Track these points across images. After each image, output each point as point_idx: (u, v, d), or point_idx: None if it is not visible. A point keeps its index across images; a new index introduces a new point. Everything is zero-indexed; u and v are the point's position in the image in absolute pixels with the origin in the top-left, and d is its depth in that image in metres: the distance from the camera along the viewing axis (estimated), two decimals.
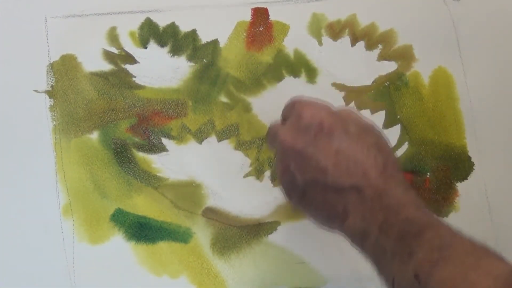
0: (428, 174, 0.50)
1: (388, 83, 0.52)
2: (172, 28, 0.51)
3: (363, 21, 0.52)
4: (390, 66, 0.52)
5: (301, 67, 0.51)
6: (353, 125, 0.38)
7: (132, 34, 0.50)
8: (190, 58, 0.51)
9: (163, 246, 0.48)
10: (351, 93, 0.51)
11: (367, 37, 0.52)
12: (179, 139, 0.50)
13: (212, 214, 0.49)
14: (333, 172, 0.36)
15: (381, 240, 0.35)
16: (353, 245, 0.38)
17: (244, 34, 0.51)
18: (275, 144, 0.41)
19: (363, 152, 0.37)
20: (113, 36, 0.50)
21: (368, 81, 0.52)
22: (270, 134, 0.42)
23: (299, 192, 0.39)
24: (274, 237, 0.49)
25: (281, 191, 0.41)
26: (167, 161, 0.49)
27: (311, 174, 0.37)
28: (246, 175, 0.49)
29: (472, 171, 0.51)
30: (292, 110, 0.40)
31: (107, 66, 0.50)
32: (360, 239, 0.37)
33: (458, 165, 0.51)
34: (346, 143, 0.37)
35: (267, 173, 0.50)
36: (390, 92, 0.52)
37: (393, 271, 0.34)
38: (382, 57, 0.52)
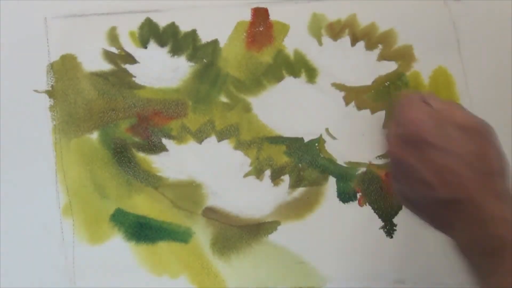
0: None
1: (388, 83, 0.52)
2: (172, 28, 0.51)
3: (363, 21, 0.52)
4: (390, 66, 0.52)
5: (301, 67, 0.51)
6: (456, 128, 0.37)
7: (132, 34, 0.50)
8: (190, 58, 0.51)
9: (163, 246, 0.48)
10: (351, 93, 0.51)
11: (367, 37, 0.52)
12: (179, 139, 0.50)
13: (212, 214, 0.49)
14: (435, 186, 0.36)
15: (467, 253, 0.36)
16: (459, 255, 0.38)
17: (244, 34, 0.51)
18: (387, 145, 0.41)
19: (462, 162, 0.36)
20: (113, 36, 0.50)
21: (368, 81, 0.52)
22: (384, 135, 0.42)
23: (410, 201, 0.39)
24: (274, 237, 0.49)
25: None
26: (167, 161, 0.49)
27: (417, 188, 0.38)
28: (246, 175, 0.49)
29: None
30: (396, 113, 0.40)
31: (107, 66, 0.50)
32: (466, 251, 0.37)
33: None
34: (445, 154, 0.36)
35: (267, 173, 0.50)
36: (390, 92, 0.52)
37: (502, 284, 0.34)
38: (382, 57, 0.52)
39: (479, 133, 0.38)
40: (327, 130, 0.51)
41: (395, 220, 0.50)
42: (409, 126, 0.38)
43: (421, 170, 0.37)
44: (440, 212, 0.37)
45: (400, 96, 0.41)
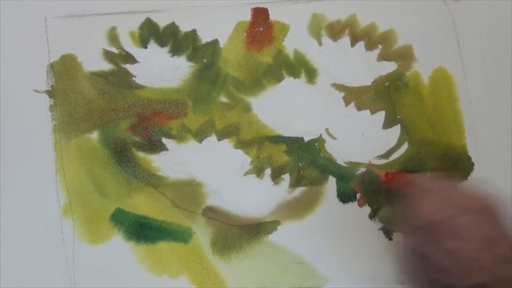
0: (428, 174, 0.50)
1: (388, 83, 0.52)
2: (172, 28, 0.51)
3: (363, 21, 0.52)
4: (390, 66, 0.52)
5: (301, 67, 0.51)
6: (463, 214, 0.38)
7: (132, 34, 0.50)
8: (190, 58, 0.51)
9: (163, 246, 0.48)
10: (351, 93, 0.51)
11: (367, 37, 0.52)
12: (179, 138, 0.50)
13: (212, 214, 0.49)
14: (452, 273, 0.36)
15: None
16: None
17: (244, 34, 0.51)
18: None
19: (476, 246, 0.36)
20: (113, 36, 0.50)
21: (368, 81, 0.52)
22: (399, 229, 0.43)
23: (424, 285, 0.39)
24: (274, 237, 0.49)
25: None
26: (167, 160, 0.49)
27: (432, 274, 0.37)
28: (247, 173, 0.49)
29: (472, 171, 0.51)
30: (407, 205, 0.40)
31: (107, 66, 0.50)
32: None
33: (458, 165, 0.50)
34: (456, 242, 0.37)
35: (267, 171, 0.50)
36: (390, 92, 0.52)
37: None
38: (382, 57, 0.52)
39: (487, 214, 0.38)
40: (327, 130, 0.51)
41: None
42: (419, 217, 0.38)
43: (439, 260, 0.37)
44: None
45: (407, 185, 0.42)
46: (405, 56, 0.52)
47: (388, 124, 0.51)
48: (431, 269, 0.37)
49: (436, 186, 0.41)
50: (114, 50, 0.50)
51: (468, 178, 0.51)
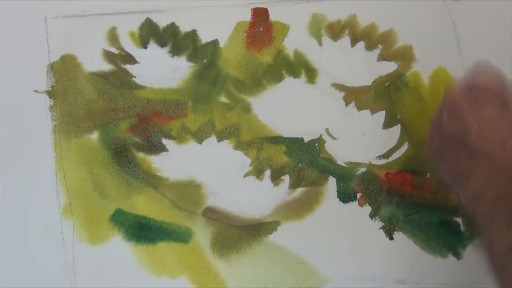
0: (428, 174, 0.50)
1: (388, 83, 0.52)
2: (172, 28, 0.51)
3: (363, 21, 0.52)
4: (390, 67, 0.52)
5: (301, 67, 0.51)
6: None
7: (132, 34, 0.50)
8: (190, 58, 0.51)
9: (163, 246, 0.48)
10: (351, 93, 0.51)
11: (367, 37, 0.52)
12: (179, 139, 0.50)
13: (212, 214, 0.49)
14: (475, 134, 0.39)
15: (496, 205, 0.37)
16: (466, 206, 0.40)
17: (244, 34, 0.51)
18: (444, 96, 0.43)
19: (509, 126, 0.38)
20: (113, 36, 0.50)
21: (368, 82, 0.52)
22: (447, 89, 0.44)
23: (440, 141, 0.42)
24: (274, 237, 0.49)
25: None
26: (167, 161, 0.49)
27: (456, 128, 0.40)
28: (246, 175, 0.49)
29: None
30: (471, 71, 0.43)
31: (107, 66, 0.50)
32: (474, 201, 0.39)
33: None
34: (498, 113, 0.39)
35: (267, 173, 0.50)
36: (390, 93, 0.52)
37: (494, 236, 0.37)
38: (382, 57, 0.52)
39: None
40: (327, 130, 0.51)
41: None
42: (478, 80, 0.41)
43: (467, 113, 0.39)
44: (462, 158, 0.40)
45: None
46: (405, 56, 0.52)
47: (388, 124, 0.51)
48: (459, 125, 0.40)
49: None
50: (114, 50, 0.50)
51: None
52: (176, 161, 0.49)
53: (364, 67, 0.52)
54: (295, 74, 0.51)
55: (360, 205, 0.50)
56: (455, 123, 0.40)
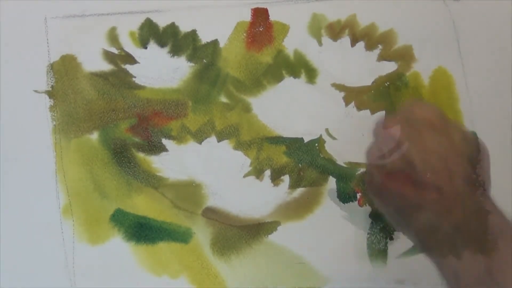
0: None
1: (388, 83, 0.52)
2: (172, 28, 0.51)
3: (363, 21, 0.52)
4: (390, 67, 0.52)
5: (301, 67, 0.51)
6: (458, 132, 0.39)
7: (132, 34, 0.50)
8: (190, 58, 0.51)
9: (163, 246, 0.48)
10: (351, 93, 0.51)
11: (367, 37, 0.52)
12: (179, 139, 0.50)
13: (212, 214, 0.49)
14: (420, 167, 0.38)
15: (455, 237, 0.37)
16: (417, 236, 0.39)
17: (244, 34, 0.51)
18: (378, 131, 0.43)
19: (457, 159, 0.38)
20: (113, 36, 0.50)
21: (368, 82, 0.52)
22: (378, 123, 0.44)
23: (381, 177, 0.40)
24: (274, 237, 0.49)
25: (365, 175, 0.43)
26: (167, 161, 0.49)
27: (398, 163, 0.39)
28: (246, 175, 0.49)
29: None
30: (406, 106, 0.42)
31: (107, 66, 0.50)
32: (426, 233, 0.38)
33: None
34: (444, 146, 0.38)
35: (267, 173, 0.50)
36: (390, 93, 0.52)
37: (459, 266, 0.36)
38: (382, 57, 0.52)
39: (476, 145, 0.40)
40: (327, 130, 0.51)
41: None
42: (417, 113, 0.40)
43: (409, 146, 0.38)
44: (408, 192, 0.38)
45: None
46: (405, 56, 0.52)
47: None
48: (401, 158, 0.39)
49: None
50: (114, 50, 0.50)
51: None
52: (176, 161, 0.49)
53: (364, 67, 0.52)
54: (295, 74, 0.51)
55: (360, 205, 0.50)
56: (397, 158, 0.39)
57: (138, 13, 0.51)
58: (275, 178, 0.50)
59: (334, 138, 0.50)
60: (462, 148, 0.39)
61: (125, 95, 0.50)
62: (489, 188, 0.40)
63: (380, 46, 0.52)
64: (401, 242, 0.49)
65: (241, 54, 0.51)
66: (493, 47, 0.52)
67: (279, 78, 0.51)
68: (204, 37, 0.51)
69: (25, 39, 0.50)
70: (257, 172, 0.50)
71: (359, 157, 0.50)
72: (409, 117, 0.40)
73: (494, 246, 0.36)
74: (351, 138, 0.51)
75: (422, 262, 0.49)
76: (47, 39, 0.50)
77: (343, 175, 0.50)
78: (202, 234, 0.48)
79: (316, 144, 0.50)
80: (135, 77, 0.50)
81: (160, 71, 0.50)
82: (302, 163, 0.50)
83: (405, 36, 0.52)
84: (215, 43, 0.51)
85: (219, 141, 0.50)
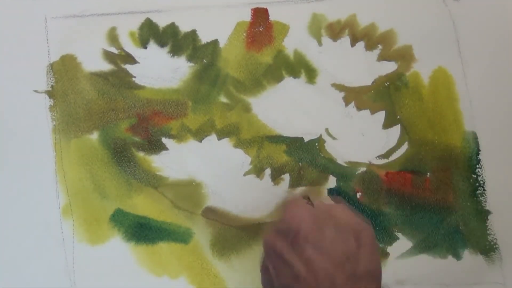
0: (428, 174, 0.50)
1: (388, 83, 0.52)
2: (172, 28, 0.51)
3: (363, 21, 0.52)
4: (390, 66, 0.52)
5: (301, 67, 0.51)
6: (332, 228, 0.39)
7: (132, 34, 0.50)
8: (190, 58, 0.51)
9: (163, 247, 0.48)
10: (351, 93, 0.51)
11: (367, 37, 0.52)
12: (179, 137, 0.50)
13: (212, 214, 0.49)
14: (304, 280, 0.38)
15: None
16: None
17: (244, 34, 0.51)
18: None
19: (334, 262, 0.38)
20: (113, 36, 0.50)
21: (368, 82, 0.52)
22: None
23: None
24: None
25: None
26: (167, 160, 0.49)
27: (285, 280, 0.38)
28: (247, 173, 0.49)
29: (472, 171, 0.51)
30: (280, 212, 0.42)
31: (107, 66, 0.50)
32: None
33: (458, 165, 0.50)
34: (318, 252, 0.38)
35: (267, 171, 0.50)
36: (390, 93, 0.51)
37: None
38: (382, 57, 0.52)
39: (354, 234, 0.39)
40: (327, 130, 0.51)
41: None
42: (289, 221, 0.40)
43: (295, 264, 0.38)
44: None
45: (286, 199, 0.45)
46: (405, 56, 0.52)
47: (388, 124, 0.51)
48: (286, 275, 0.38)
49: (316, 201, 0.43)
50: (114, 50, 0.50)
51: (467, 178, 0.51)
52: (176, 159, 0.49)
53: (364, 67, 0.52)
54: (295, 74, 0.51)
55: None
56: (282, 274, 0.39)
57: (138, 13, 0.51)
58: (276, 177, 0.50)
59: (334, 138, 0.50)
60: (340, 246, 0.39)
61: (125, 95, 0.50)
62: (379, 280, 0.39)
63: (380, 46, 0.52)
64: (401, 242, 0.49)
65: (241, 54, 0.51)
66: (493, 47, 0.52)
67: (279, 78, 0.51)
68: (204, 37, 0.51)
69: (25, 39, 0.50)
70: (258, 171, 0.50)
71: (359, 157, 0.50)
72: (286, 227, 0.40)
73: None
74: (351, 138, 0.51)
75: (422, 262, 0.49)
76: (47, 39, 0.50)
77: (343, 174, 0.50)
78: (202, 234, 0.48)
79: (316, 144, 0.50)
80: (135, 77, 0.50)
81: (160, 71, 0.50)
82: (302, 162, 0.50)
83: (405, 36, 0.52)
84: (215, 43, 0.51)
85: (219, 139, 0.50)
